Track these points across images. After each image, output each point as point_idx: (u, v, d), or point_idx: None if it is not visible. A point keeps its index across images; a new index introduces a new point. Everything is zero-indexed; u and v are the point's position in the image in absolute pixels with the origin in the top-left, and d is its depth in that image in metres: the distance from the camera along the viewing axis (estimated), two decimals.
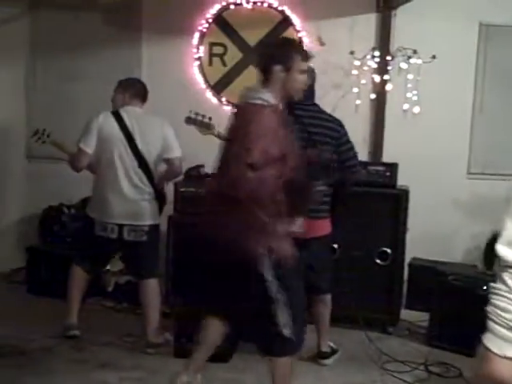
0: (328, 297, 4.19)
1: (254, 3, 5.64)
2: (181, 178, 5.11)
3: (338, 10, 5.43)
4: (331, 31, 5.14)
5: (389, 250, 4.72)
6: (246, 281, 3.05)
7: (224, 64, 5.76)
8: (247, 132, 2.93)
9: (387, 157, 5.42)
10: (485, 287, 3.90)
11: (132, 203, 4.29)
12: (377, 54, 5.40)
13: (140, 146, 4.31)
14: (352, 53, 5.43)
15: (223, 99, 5.75)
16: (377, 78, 5.43)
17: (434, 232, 5.39)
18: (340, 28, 5.49)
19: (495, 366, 1.60)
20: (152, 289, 4.37)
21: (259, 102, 3.02)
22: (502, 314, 1.60)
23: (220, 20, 5.71)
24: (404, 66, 5.31)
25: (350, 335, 4.59)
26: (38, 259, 5.28)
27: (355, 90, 5.48)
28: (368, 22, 5.55)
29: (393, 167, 4.86)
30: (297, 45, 3.40)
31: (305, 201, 3.25)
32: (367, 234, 4.74)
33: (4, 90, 5.79)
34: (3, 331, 4.35)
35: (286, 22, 5.63)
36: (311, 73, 4.13)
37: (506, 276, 1.60)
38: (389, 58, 5.37)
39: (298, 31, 5.60)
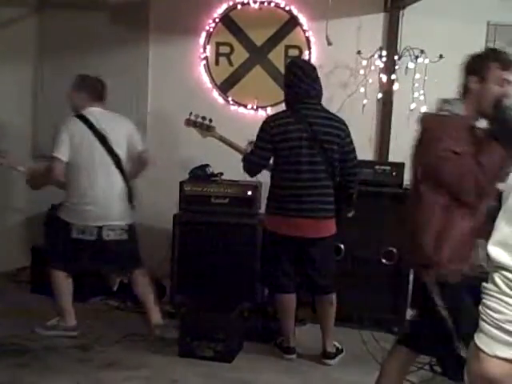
0: (333, 296, 4.18)
1: (261, 3, 5.63)
2: (186, 177, 5.13)
3: (346, 9, 5.41)
4: (338, 31, 5.12)
5: (394, 250, 4.70)
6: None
7: (231, 64, 5.76)
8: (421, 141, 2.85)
9: (394, 156, 5.40)
10: None
11: (111, 204, 4.31)
12: (384, 53, 5.39)
13: (113, 146, 4.33)
14: (359, 52, 5.42)
15: (230, 99, 5.74)
16: (384, 78, 5.41)
17: None
18: (347, 28, 5.47)
19: (486, 366, 1.63)
20: (142, 278, 4.47)
21: (445, 113, 2.85)
22: (493, 314, 1.61)
23: (227, 20, 5.71)
24: (411, 65, 5.30)
25: (355, 335, 4.57)
26: (43, 259, 5.28)
27: (362, 89, 5.46)
28: (375, 22, 5.54)
29: (399, 167, 4.84)
30: (495, 53, 3.01)
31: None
32: (373, 233, 4.73)
33: (11, 89, 5.81)
34: (8, 330, 4.36)
35: (293, 21, 5.62)
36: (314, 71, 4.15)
37: (496, 277, 1.61)
38: (396, 57, 5.36)
39: (305, 31, 5.60)
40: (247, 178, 4.65)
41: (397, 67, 5.36)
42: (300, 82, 4.04)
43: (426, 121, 2.97)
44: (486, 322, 1.63)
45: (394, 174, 4.83)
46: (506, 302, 1.59)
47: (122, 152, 4.38)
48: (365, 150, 5.29)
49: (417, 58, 5.26)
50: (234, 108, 5.72)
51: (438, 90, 5.27)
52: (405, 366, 3.12)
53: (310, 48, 5.59)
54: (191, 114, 4.68)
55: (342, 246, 4.67)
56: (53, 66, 5.83)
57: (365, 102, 5.45)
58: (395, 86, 5.37)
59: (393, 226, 4.65)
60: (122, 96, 5.79)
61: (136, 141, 4.48)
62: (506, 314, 1.59)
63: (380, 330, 4.67)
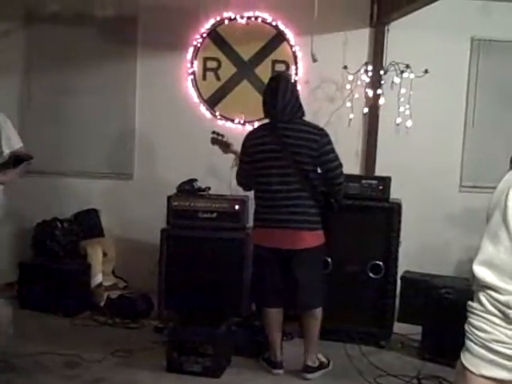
0: (317, 310, 4.15)
1: (248, 18, 5.68)
2: (174, 192, 5.13)
3: (332, 24, 5.47)
4: (325, 46, 5.17)
5: (381, 264, 4.71)
6: None
7: (218, 78, 5.79)
8: None
9: (380, 170, 5.45)
10: None
11: None
12: (370, 68, 5.44)
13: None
14: (345, 67, 5.47)
15: (217, 113, 5.77)
16: (370, 93, 5.46)
17: (426, 245, 5.41)
18: (333, 43, 5.53)
19: None
20: None
21: None
22: (478, 332, 1.61)
23: (214, 35, 5.75)
24: (397, 80, 5.34)
25: (342, 349, 4.57)
26: (31, 274, 5.26)
27: (348, 104, 5.52)
28: (361, 37, 5.60)
29: (386, 181, 4.85)
30: None
31: None
32: (360, 247, 4.74)
33: None
34: None
35: (279, 36, 5.68)
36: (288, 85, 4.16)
37: (482, 296, 1.62)
38: (382, 72, 5.41)
39: (292, 46, 5.64)
40: (235, 192, 4.66)
41: (383, 82, 5.41)
42: (274, 96, 4.06)
43: None
44: (471, 340, 1.64)
45: (380, 187, 4.84)
46: (491, 321, 1.59)
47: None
48: (351, 164, 5.33)
49: (402, 72, 5.31)
50: (221, 123, 5.74)
51: (424, 105, 5.39)
52: None
53: (296, 63, 5.64)
54: (213, 132, 4.75)
55: (330, 260, 4.68)
56: (40, 80, 5.83)
57: (351, 116, 5.49)
58: (381, 101, 5.42)
59: (380, 239, 4.68)
60: (109, 111, 5.81)
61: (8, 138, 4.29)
62: (491, 333, 1.59)
63: (367, 343, 4.68)
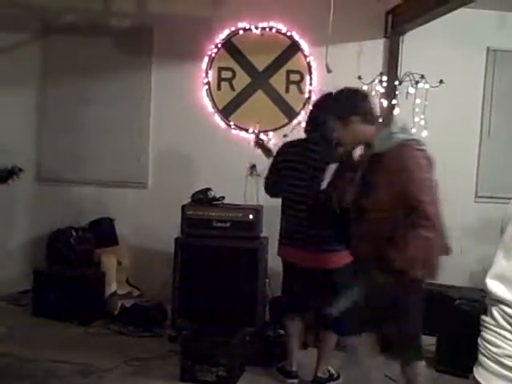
0: None
1: (263, 29, 5.70)
2: (188, 200, 5.14)
3: (347, 35, 5.48)
4: (339, 56, 5.17)
5: None
6: None
7: (232, 88, 5.81)
8: None
9: None
10: None
11: None
12: (384, 78, 5.43)
13: None
14: (360, 78, 5.45)
15: (231, 123, 5.78)
16: (385, 103, 5.45)
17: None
18: (348, 53, 5.54)
19: None
20: None
21: None
22: (491, 347, 1.59)
23: (229, 45, 5.77)
24: (412, 90, 5.33)
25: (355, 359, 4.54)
26: (45, 282, 5.28)
27: None
28: (376, 48, 5.61)
29: None
30: None
31: None
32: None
33: (16, 114, 5.86)
34: (8, 354, 4.34)
35: (294, 47, 5.70)
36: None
37: (494, 310, 1.59)
38: (396, 82, 5.40)
39: (306, 56, 5.66)
40: (248, 201, 4.66)
41: (397, 92, 5.40)
42: (312, 112, 4.10)
43: None
44: (484, 355, 1.62)
45: None
46: (503, 336, 1.57)
47: None
48: None
49: (417, 83, 5.29)
50: (235, 132, 5.76)
51: (439, 115, 5.38)
52: None
53: (311, 73, 5.65)
54: (257, 136, 4.77)
55: None
56: (57, 91, 5.87)
57: None
58: (396, 111, 5.40)
59: None
60: (124, 120, 5.84)
61: None
62: (504, 348, 1.57)
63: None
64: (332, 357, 4.26)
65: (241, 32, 5.74)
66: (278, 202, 4.18)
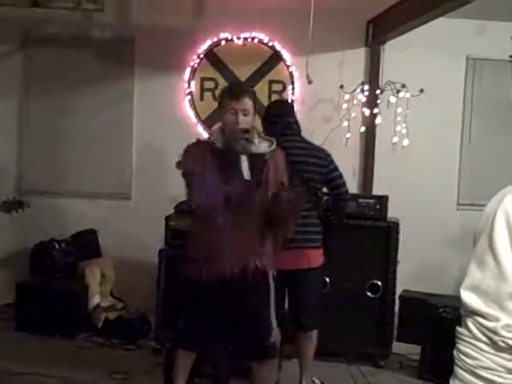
0: (312, 333, 4.08)
1: (245, 39, 5.72)
2: (171, 212, 5.12)
3: (328, 44, 5.51)
4: (321, 66, 5.20)
5: (379, 283, 4.70)
6: None
7: (215, 99, 5.78)
8: None
9: (377, 189, 5.45)
10: None
11: None
12: (366, 87, 5.47)
13: None
14: (342, 87, 5.49)
15: None
16: (366, 112, 5.49)
17: (424, 264, 5.40)
18: (330, 62, 5.57)
19: None
20: None
21: None
22: (466, 359, 1.59)
23: (211, 55, 5.78)
24: (393, 99, 5.37)
25: (340, 369, 4.55)
26: (28, 295, 5.24)
27: (345, 123, 5.53)
28: (357, 57, 5.64)
29: (383, 200, 4.86)
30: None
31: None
32: (358, 266, 4.73)
33: None
34: None
35: (276, 57, 5.72)
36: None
37: (469, 322, 1.60)
38: (378, 91, 5.44)
39: (289, 66, 5.68)
40: None
41: (379, 101, 5.44)
42: (278, 117, 4.09)
43: None
44: (459, 367, 1.62)
45: (377, 206, 4.84)
46: (478, 348, 1.57)
47: None
48: (349, 183, 5.27)
49: (398, 92, 5.34)
50: None
51: (420, 124, 5.42)
52: None
53: (293, 83, 5.67)
54: None
55: (328, 280, 4.67)
56: (38, 102, 5.84)
57: (348, 135, 5.51)
58: (378, 120, 5.44)
59: (377, 258, 4.68)
60: (107, 132, 5.82)
61: None
62: (478, 359, 1.57)
63: (366, 363, 4.65)
64: (318, 367, 4.26)
65: (223, 42, 5.75)
66: None
